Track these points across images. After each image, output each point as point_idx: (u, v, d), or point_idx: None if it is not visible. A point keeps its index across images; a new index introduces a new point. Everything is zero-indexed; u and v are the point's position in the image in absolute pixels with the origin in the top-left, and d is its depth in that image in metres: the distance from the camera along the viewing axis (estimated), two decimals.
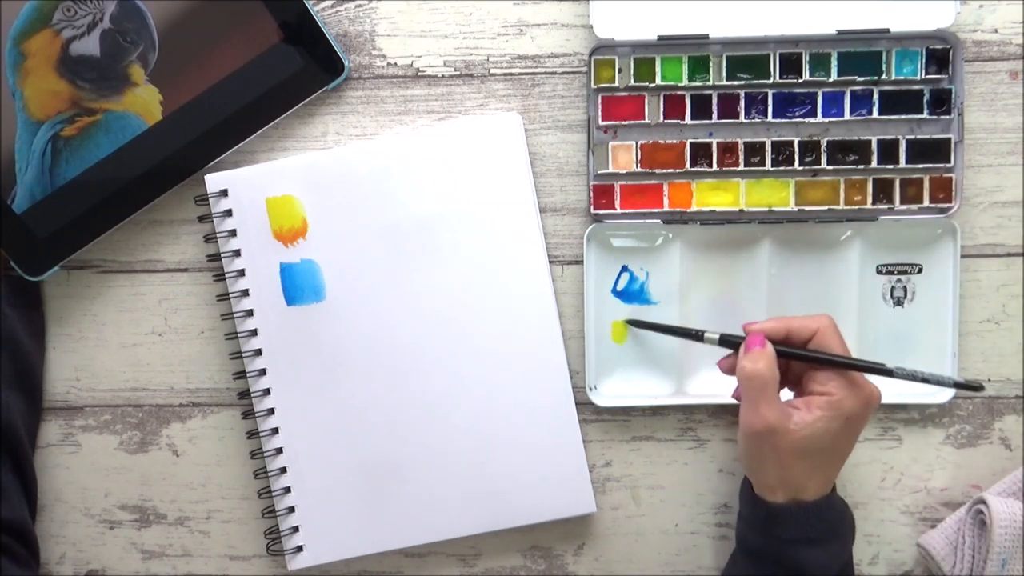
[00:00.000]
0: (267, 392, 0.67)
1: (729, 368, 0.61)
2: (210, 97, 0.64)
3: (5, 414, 0.64)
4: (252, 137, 0.65)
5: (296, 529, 0.67)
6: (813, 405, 0.57)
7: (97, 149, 0.64)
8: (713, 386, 0.66)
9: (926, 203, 0.65)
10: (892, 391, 0.66)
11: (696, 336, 0.62)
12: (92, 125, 0.64)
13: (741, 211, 0.65)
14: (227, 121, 0.65)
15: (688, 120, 0.65)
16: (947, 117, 0.64)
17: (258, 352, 0.67)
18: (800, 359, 0.59)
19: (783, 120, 0.65)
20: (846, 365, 0.58)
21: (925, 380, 0.58)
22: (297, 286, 0.66)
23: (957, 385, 0.58)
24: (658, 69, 0.65)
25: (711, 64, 0.65)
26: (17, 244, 0.65)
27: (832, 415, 0.57)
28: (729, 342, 0.61)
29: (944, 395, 0.66)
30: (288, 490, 0.67)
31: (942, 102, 0.64)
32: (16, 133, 0.63)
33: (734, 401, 0.66)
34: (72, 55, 0.63)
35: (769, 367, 0.57)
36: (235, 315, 0.67)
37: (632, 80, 0.65)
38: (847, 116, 0.65)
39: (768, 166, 0.65)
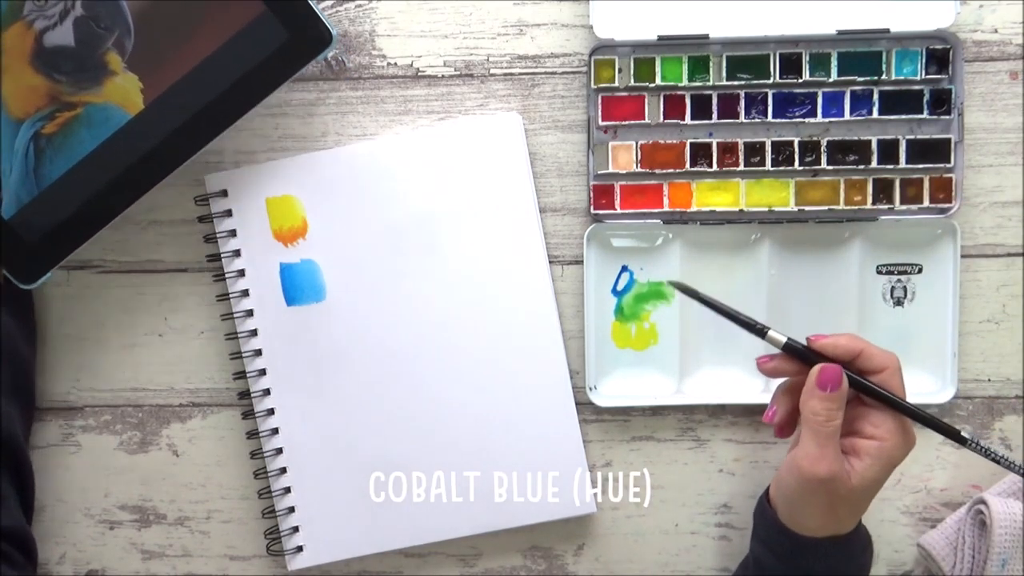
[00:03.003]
0: (267, 392, 0.67)
1: (773, 371, 0.58)
2: (193, 80, 0.60)
3: (6, 423, 0.64)
4: (242, 118, 0.62)
5: (296, 529, 0.67)
6: (863, 452, 0.55)
7: (81, 145, 0.61)
8: (713, 386, 0.67)
9: (926, 203, 0.65)
10: None
11: (758, 330, 0.56)
12: (73, 120, 0.61)
13: (741, 211, 0.65)
14: (213, 104, 0.61)
15: (688, 120, 0.65)
16: (947, 117, 0.64)
17: (258, 352, 0.67)
18: (875, 396, 0.56)
19: (783, 120, 0.65)
20: (923, 419, 0.56)
21: (996, 460, 0.56)
22: (297, 286, 0.66)
23: None
24: (658, 69, 0.65)
25: (711, 64, 0.65)
26: (7, 251, 0.62)
27: (883, 463, 0.55)
28: (797, 352, 0.56)
29: (944, 395, 0.66)
30: (288, 490, 0.67)
31: (942, 102, 0.64)
32: None
33: (734, 401, 0.66)
34: (47, 47, 0.60)
35: (842, 407, 0.54)
36: (235, 315, 0.67)
37: (632, 80, 0.65)
38: (847, 116, 0.65)
39: (768, 166, 0.65)
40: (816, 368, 0.55)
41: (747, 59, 0.64)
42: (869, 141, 0.65)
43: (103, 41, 0.60)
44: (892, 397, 0.56)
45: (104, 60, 0.60)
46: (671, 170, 0.65)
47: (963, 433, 0.56)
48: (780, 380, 0.59)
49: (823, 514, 0.56)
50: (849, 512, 0.57)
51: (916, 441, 0.57)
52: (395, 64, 0.66)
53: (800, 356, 0.57)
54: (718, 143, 0.65)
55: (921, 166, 0.65)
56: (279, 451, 0.67)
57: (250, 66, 0.61)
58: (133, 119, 0.61)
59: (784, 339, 0.56)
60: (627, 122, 0.65)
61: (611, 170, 0.65)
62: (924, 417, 0.56)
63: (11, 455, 0.64)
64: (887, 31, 0.63)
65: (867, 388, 0.56)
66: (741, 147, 0.65)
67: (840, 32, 0.63)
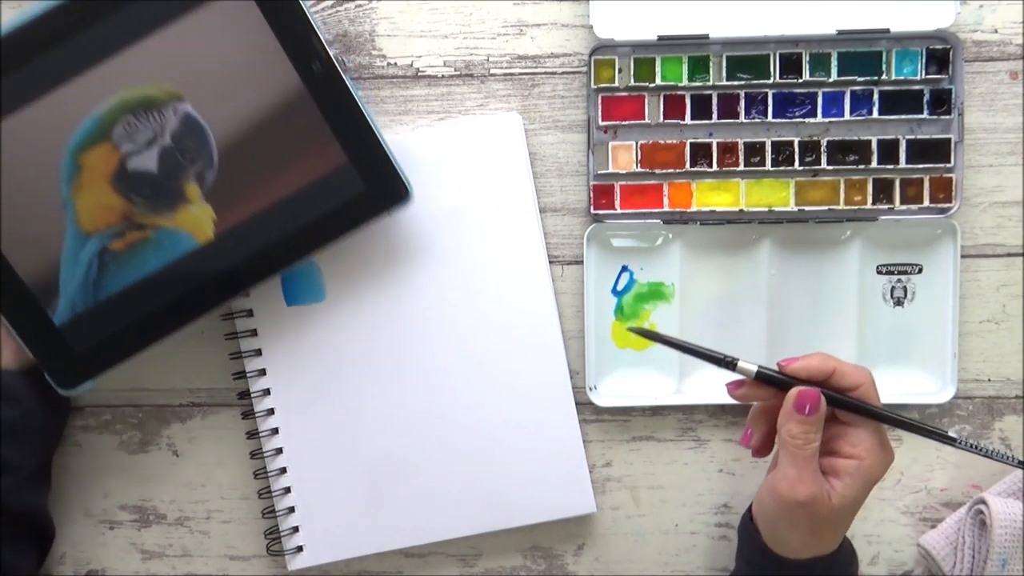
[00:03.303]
0: (267, 392, 0.67)
1: (743, 397, 0.57)
2: (265, 218, 0.61)
3: (33, 507, 0.64)
4: (303, 259, 0.62)
5: (296, 529, 0.67)
6: (843, 472, 0.55)
7: (144, 265, 0.61)
8: (713, 386, 0.66)
9: (926, 203, 0.65)
10: (892, 391, 0.66)
11: (727, 364, 0.56)
12: (141, 241, 0.61)
13: (741, 211, 0.65)
14: (279, 243, 0.61)
15: (688, 120, 0.65)
16: (947, 117, 0.64)
17: (258, 352, 0.67)
18: (858, 412, 0.55)
19: (783, 120, 0.65)
20: (910, 427, 0.55)
21: (989, 455, 0.56)
22: (297, 286, 0.66)
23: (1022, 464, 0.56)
24: (658, 69, 0.65)
25: (711, 64, 0.65)
26: (53, 356, 0.61)
27: (863, 482, 0.55)
28: (770, 379, 0.55)
29: (944, 395, 0.66)
30: (288, 490, 0.67)
31: (942, 102, 0.64)
32: (64, 244, 0.60)
33: (734, 401, 0.66)
34: (129, 170, 0.60)
35: (820, 430, 0.54)
36: (235, 315, 0.67)
37: (632, 80, 0.65)
38: (847, 116, 0.65)
39: (768, 166, 0.65)
40: (793, 392, 0.55)
41: (747, 59, 0.64)
42: (869, 141, 0.65)
43: (185, 171, 0.60)
44: (877, 410, 0.55)
45: (182, 188, 0.60)
46: (671, 170, 0.65)
47: (950, 433, 0.56)
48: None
49: (805, 535, 0.56)
50: (831, 532, 0.57)
51: (895, 457, 0.57)
52: (395, 64, 0.66)
53: (773, 383, 0.56)
54: (718, 143, 0.65)
55: (921, 166, 0.65)
56: (279, 451, 0.67)
57: (323, 212, 0.61)
58: (200, 247, 0.61)
59: (755, 368, 0.56)
60: (627, 122, 0.65)
61: (611, 170, 0.65)
62: (911, 425, 0.56)
63: (41, 531, 0.65)
64: (887, 31, 0.63)
65: (849, 405, 0.55)
66: (741, 147, 0.65)
67: (840, 32, 0.63)
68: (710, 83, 0.65)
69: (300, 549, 0.67)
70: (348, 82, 0.60)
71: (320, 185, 0.61)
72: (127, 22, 0.59)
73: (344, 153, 0.61)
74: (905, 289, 0.66)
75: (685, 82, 0.65)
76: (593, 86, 0.65)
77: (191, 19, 0.59)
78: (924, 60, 0.64)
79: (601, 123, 0.65)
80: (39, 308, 0.61)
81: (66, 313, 0.61)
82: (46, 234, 0.60)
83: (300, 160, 0.60)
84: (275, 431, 0.67)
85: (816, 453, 0.54)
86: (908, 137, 0.65)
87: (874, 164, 0.65)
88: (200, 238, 0.61)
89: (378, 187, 0.61)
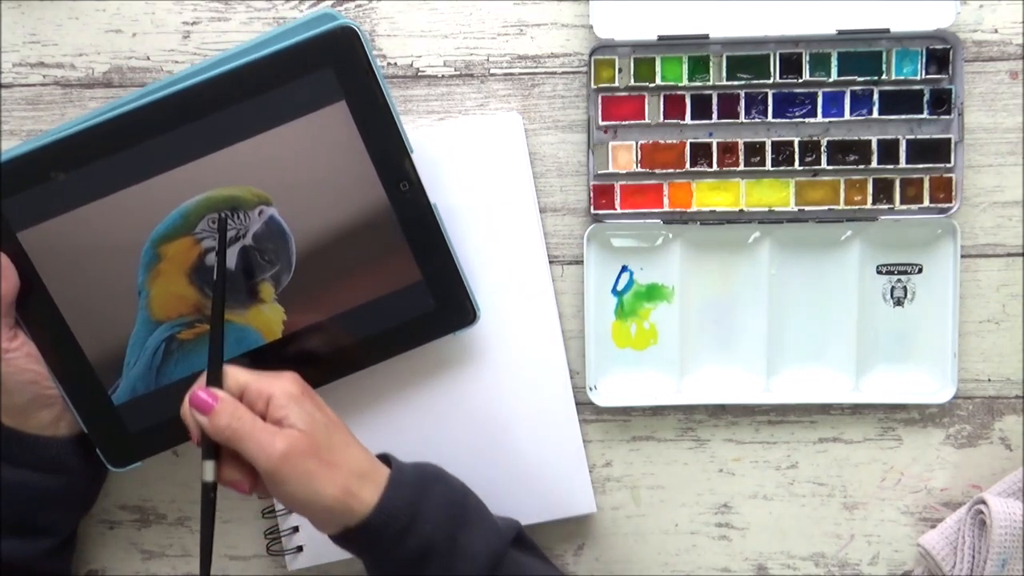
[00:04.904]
0: None
1: (234, 481, 0.56)
2: (333, 324, 0.62)
3: (63, 567, 0.65)
4: (363, 368, 0.63)
5: (296, 529, 0.67)
6: (274, 407, 0.55)
7: None
8: (713, 386, 0.67)
9: (926, 203, 0.65)
10: (892, 391, 0.66)
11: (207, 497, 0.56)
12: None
13: (741, 211, 0.65)
14: (344, 350, 0.62)
15: (688, 120, 0.65)
16: (947, 117, 0.64)
17: None
18: (216, 371, 0.56)
19: (783, 120, 0.65)
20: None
21: None
22: None
23: None
24: (658, 69, 0.65)
25: (711, 64, 0.65)
26: (107, 434, 0.62)
27: (290, 399, 0.55)
28: (210, 452, 0.55)
29: (944, 395, 0.66)
30: None
31: (942, 102, 0.64)
32: (134, 329, 0.61)
33: (734, 401, 0.66)
34: (207, 265, 0.60)
35: (237, 404, 0.54)
36: None
37: (632, 80, 0.65)
38: (847, 116, 0.65)
39: (768, 166, 0.65)
40: (186, 404, 0.55)
41: (747, 59, 0.64)
42: (869, 141, 0.65)
43: (262, 272, 0.61)
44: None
45: (257, 288, 0.61)
46: (671, 170, 0.65)
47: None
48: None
49: (327, 475, 0.54)
50: (329, 452, 0.55)
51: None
52: (395, 64, 0.66)
53: (211, 451, 0.55)
54: (718, 143, 0.65)
55: (921, 166, 0.65)
56: None
57: (391, 325, 0.62)
58: (266, 346, 0.62)
59: (211, 472, 0.56)
60: (627, 122, 0.65)
61: (611, 170, 0.65)
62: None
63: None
64: (887, 31, 0.63)
65: (213, 365, 0.56)
66: (741, 147, 0.65)
67: (840, 32, 0.63)
68: (710, 83, 0.65)
69: (300, 549, 0.67)
70: (433, 206, 0.61)
71: (391, 299, 0.62)
72: (227, 123, 0.59)
73: (420, 272, 0.62)
74: (905, 289, 0.66)
75: (685, 82, 0.65)
76: (593, 86, 0.65)
77: (289, 128, 0.59)
78: (924, 60, 0.64)
79: (601, 123, 0.65)
80: (99, 386, 0.62)
81: (126, 394, 0.62)
82: (117, 316, 0.61)
83: (375, 273, 0.61)
84: None
85: (254, 418, 0.54)
86: (908, 137, 0.65)
87: (874, 164, 0.65)
88: (268, 336, 0.62)
89: (448, 307, 0.63)
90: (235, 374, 0.56)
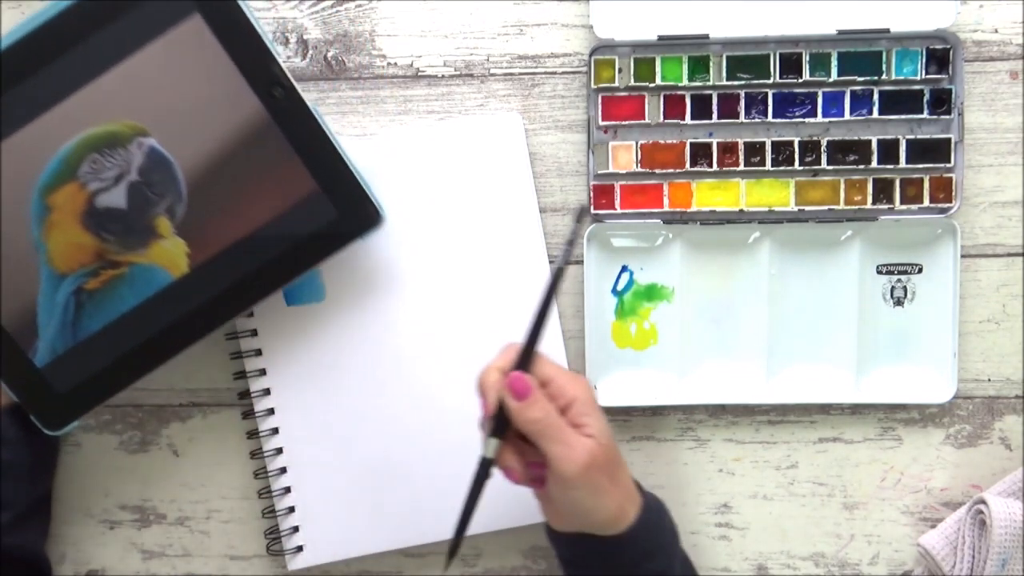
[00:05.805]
0: (267, 392, 0.67)
1: (514, 469, 0.56)
2: (239, 249, 0.60)
3: (30, 546, 0.65)
4: (279, 289, 0.62)
5: (296, 529, 0.67)
6: (578, 414, 0.55)
7: (121, 302, 0.61)
8: (713, 386, 0.67)
9: (926, 203, 0.65)
10: (892, 391, 0.66)
11: (483, 474, 0.56)
12: (116, 278, 0.61)
13: (741, 211, 0.65)
14: (255, 273, 0.61)
15: (688, 120, 0.65)
16: (947, 117, 0.64)
17: (258, 352, 0.67)
18: (526, 360, 0.55)
19: (783, 120, 0.65)
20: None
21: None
22: (297, 286, 0.66)
23: None
24: (658, 69, 0.65)
25: (711, 64, 0.65)
26: (37, 399, 0.61)
27: (593, 407, 0.56)
28: (500, 426, 0.55)
29: (944, 395, 0.66)
30: (288, 490, 0.67)
31: (942, 102, 0.64)
32: (39, 287, 0.60)
33: (734, 401, 0.66)
34: (98, 208, 0.59)
35: (546, 400, 0.54)
36: None
37: (632, 80, 0.65)
38: (847, 116, 0.65)
39: (768, 166, 0.65)
40: (489, 375, 0.56)
41: (747, 59, 0.64)
42: (869, 141, 0.65)
43: (155, 206, 0.60)
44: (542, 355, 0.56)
45: (153, 224, 0.60)
46: (671, 170, 0.65)
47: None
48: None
49: (613, 489, 0.55)
50: (619, 469, 0.56)
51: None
52: (395, 64, 0.66)
53: (502, 430, 0.55)
54: (718, 143, 0.65)
55: (921, 166, 0.65)
56: (279, 451, 0.67)
57: (297, 240, 0.61)
58: (175, 282, 0.61)
59: (494, 446, 0.56)
60: (627, 122, 0.65)
61: (611, 170, 0.65)
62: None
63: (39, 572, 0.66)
64: (887, 31, 0.63)
65: (522, 365, 0.55)
66: (741, 147, 0.65)
67: (840, 32, 0.64)
68: (710, 83, 0.65)
69: (300, 549, 0.67)
70: (312, 107, 0.60)
71: (292, 214, 0.60)
72: (83, 60, 0.58)
73: (314, 180, 0.60)
74: (905, 289, 0.66)
75: (685, 82, 0.65)
76: (593, 86, 0.65)
77: (148, 52, 0.58)
78: (924, 60, 0.64)
79: (601, 123, 0.65)
80: (19, 351, 0.61)
81: (47, 355, 0.61)
82: (21, 277, 0.60)
83: (270, 189, 0.60)
84: (275, 431, 0.67)
85: (561, 419, 0.55)
86: (908, 137, 0.65)
87: (874, 164, 0.65)
88: (175, 272, 0.61)
89: (350, 212, 0.61)
90: (544, 365, 0.56)
